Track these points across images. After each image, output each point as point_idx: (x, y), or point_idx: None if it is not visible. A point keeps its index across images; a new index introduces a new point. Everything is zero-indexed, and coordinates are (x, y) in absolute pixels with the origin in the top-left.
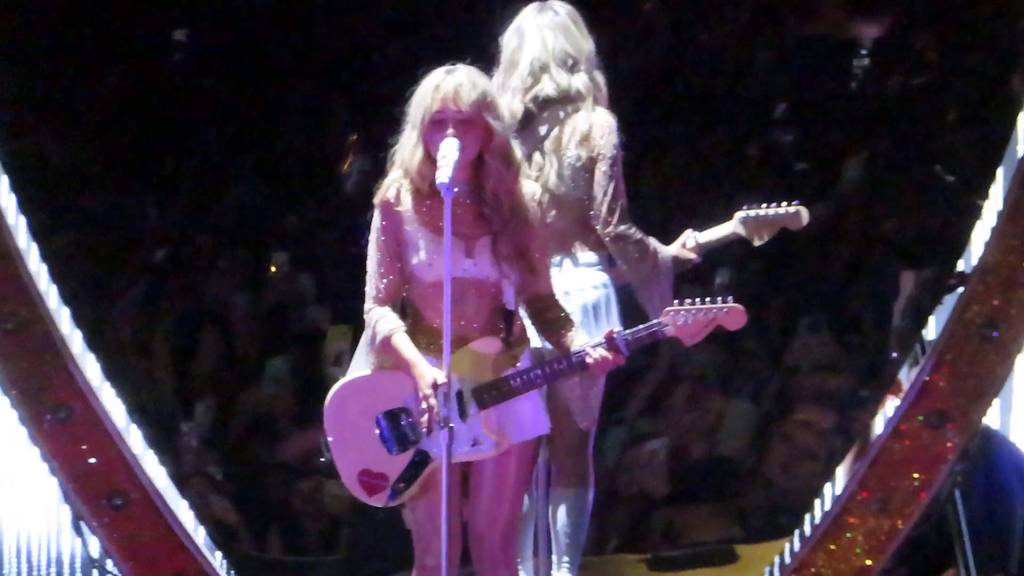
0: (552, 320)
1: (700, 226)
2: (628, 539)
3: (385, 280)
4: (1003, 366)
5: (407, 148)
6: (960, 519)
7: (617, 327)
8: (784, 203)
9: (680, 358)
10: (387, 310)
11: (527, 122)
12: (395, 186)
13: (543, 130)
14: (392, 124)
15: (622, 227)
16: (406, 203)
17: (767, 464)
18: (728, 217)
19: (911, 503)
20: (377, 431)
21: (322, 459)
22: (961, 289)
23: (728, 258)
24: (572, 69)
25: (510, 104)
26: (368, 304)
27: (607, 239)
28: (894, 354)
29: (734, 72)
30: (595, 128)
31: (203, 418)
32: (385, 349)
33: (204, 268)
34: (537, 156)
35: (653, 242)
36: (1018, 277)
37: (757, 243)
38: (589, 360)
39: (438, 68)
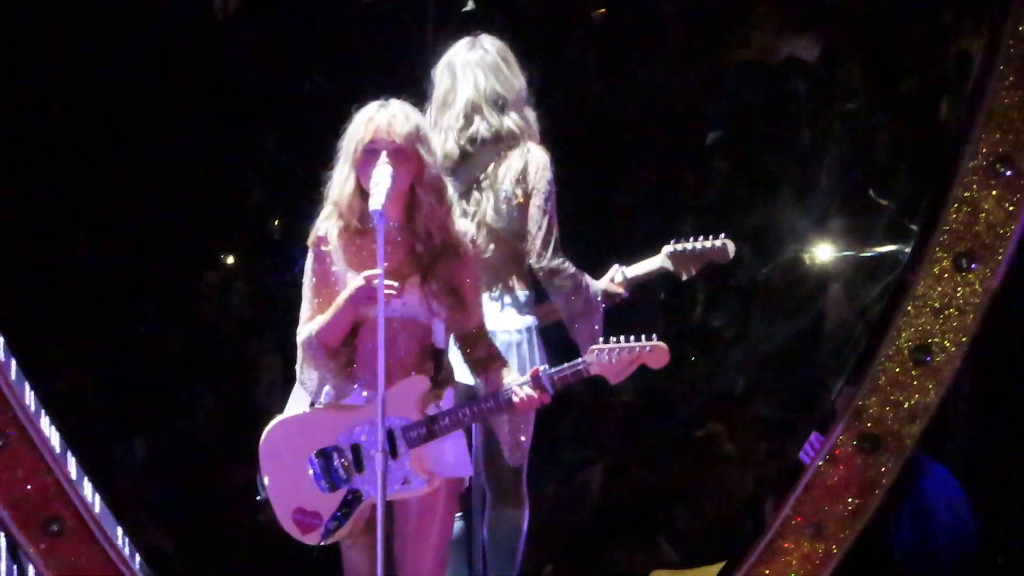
0: (482, 358)
1: (629, 260)
2: (562, 565)
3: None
4: (936, 391)
5: (338, 182)
6: (891, 546)
7: (542, 365)
8: (711, 237)
9: (609, 387)
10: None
11: (462, 160)
12: (325, 224)
13: (479, 167)
14: (325, 160)
15: (555, 261)
16: (336, 242)
17: (699, 490)
18: (656, 251)
19: (845, 528)
20: (310, 470)
21: (258, 497)
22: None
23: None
24: (503, 109)
25: (444, 144)
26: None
27: (540, 273)
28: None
29: (665, 102)
30: (530, 164)
31: (139, 445)
32: (322, 333)
33: (139, 293)
34: (475, 192)
35: (585, 276)
36: (950, 303)
37: (684, 278)
38: (515, 399)
39: (371, 103)
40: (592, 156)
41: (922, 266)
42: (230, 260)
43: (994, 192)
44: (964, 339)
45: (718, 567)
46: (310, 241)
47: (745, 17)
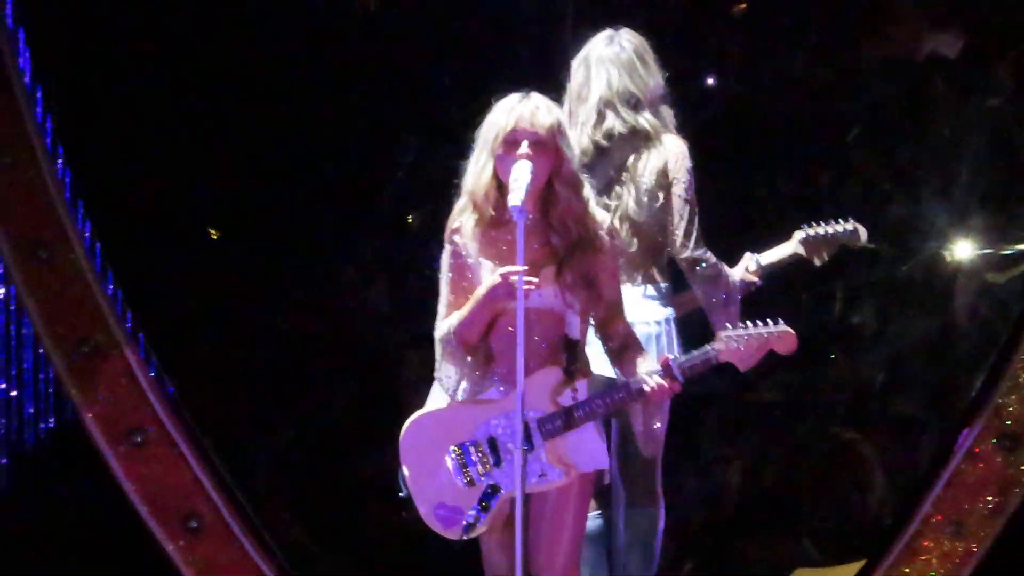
0: (620, 348)
1: (760, 247)
2: (703, 562)
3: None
4: None
5: (474, 173)
6: None
7: (671, 354)
8: (842, 220)
9: (748, 383)
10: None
11: (598, 155)
12: (460, 217)
13: (617, 160)
14: (463, 153)
15: (698, 251)
16: (471, 234)
17: (840, 487)
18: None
19: (986, 526)
20: (449, 465)
21: (400, 493)
22: None
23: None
24: (636, 108)
25: (579, 138)
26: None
27: (682, 263)
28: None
29: (805, 97)
30: (669, 156)
31: (278, 441)
32: (461, 330)
33: (277, 288)
34: (616, 187)
35: (724, 267)
36: None
37: (817, 263)
38: (646, 388)
39: (511, 94)
40: (731, 152)
41: None
42: (368, 253)
43: None
44: None
45: (859, 565)
46: (446, 235)
47: (886, 12)
